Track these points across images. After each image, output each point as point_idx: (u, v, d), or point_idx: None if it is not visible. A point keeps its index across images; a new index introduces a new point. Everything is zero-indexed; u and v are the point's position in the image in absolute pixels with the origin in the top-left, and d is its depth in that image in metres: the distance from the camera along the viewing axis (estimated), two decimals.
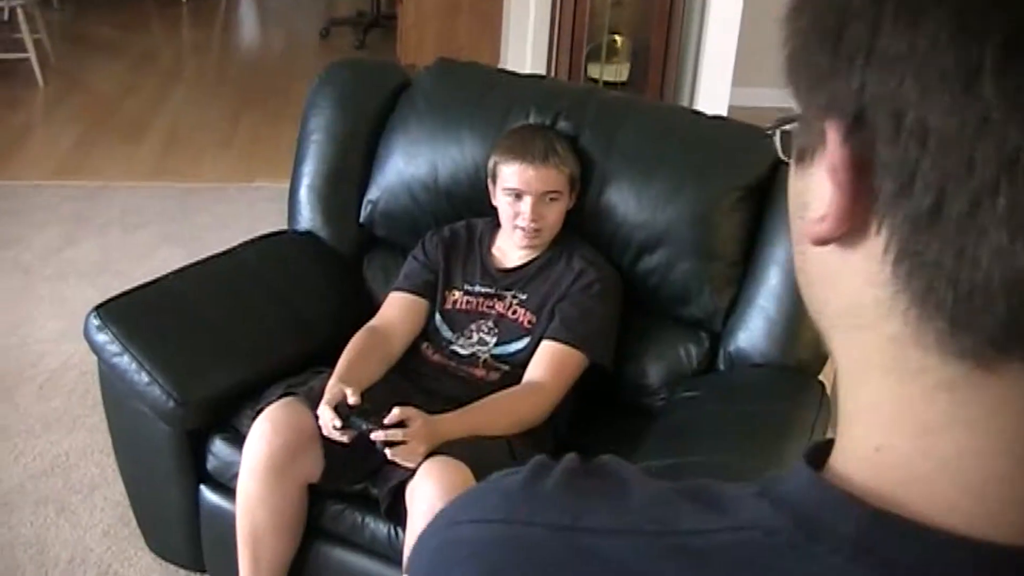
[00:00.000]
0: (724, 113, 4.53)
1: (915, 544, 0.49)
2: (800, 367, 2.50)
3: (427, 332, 2.57)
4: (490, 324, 2.53)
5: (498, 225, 2.60)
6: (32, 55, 6.38)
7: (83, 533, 2.90)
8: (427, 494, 2.10)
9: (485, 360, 2.50)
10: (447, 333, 2.55)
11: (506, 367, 2.49)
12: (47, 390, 3.52)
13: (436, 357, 2.53)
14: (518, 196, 2.49)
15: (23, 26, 6.31)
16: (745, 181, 2.55)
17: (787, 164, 0.60)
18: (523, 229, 2.50)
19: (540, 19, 5.14)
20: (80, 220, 4.79)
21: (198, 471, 2.52)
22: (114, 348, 2.43)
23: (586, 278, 2.49)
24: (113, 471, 2.88)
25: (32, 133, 5.97)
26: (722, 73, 4.86)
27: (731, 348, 2.55)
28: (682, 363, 2.60)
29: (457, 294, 2.58)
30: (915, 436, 0.51)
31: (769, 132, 0.62)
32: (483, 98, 2.68)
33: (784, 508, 0.52)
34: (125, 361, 2.42)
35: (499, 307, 2.55)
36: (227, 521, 2.44)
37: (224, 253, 2.82)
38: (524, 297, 2.53)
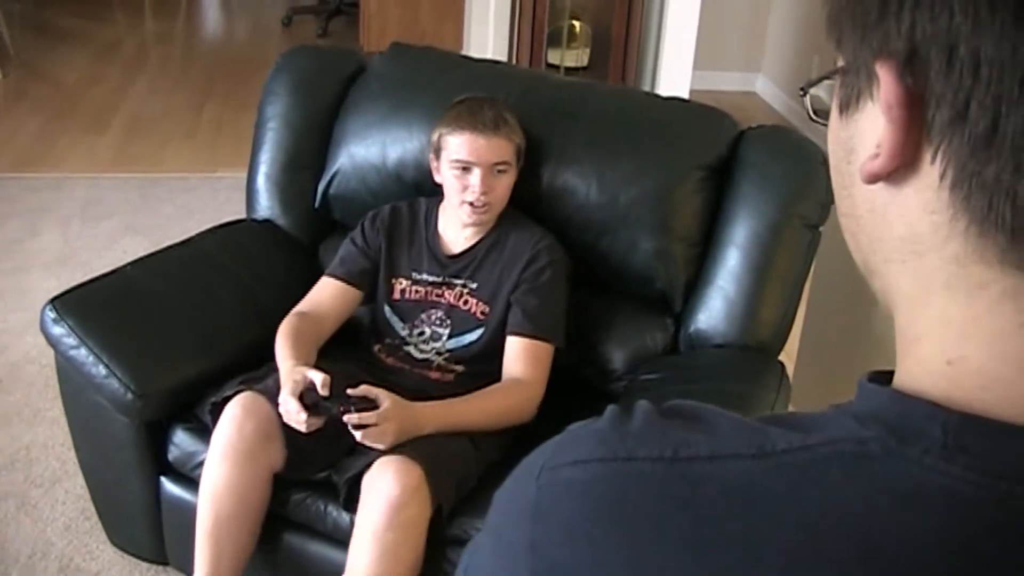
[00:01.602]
0: (686, 96, 4.53)
1: (1003, 440, 0.51)
2: (760, 347, 2.51)
3: (377, 328, 2.54)
4: (441, 315, 2.49)
5: (441, 202, 2.53)
6: None
7: (44, 527, 2.87)
8: (381, 489, 2.10)
9: (439, 364, 2.48)
10: (398, 325, 2.51)
11: (460, 367, 2.47)
12: (7, 383, 3.49)
13: (390, 360, 2.50)
14: (466, 169, 2.41)
15: None
16: (706, 161, 2.55)
17: (819, 123, 0.66)
18: (472, 204, 2.42)
19: (501, 5, 5.13)
20: (42, 211, 4.75)
21: (159, 462, 2.50)
22: (71, 341, 2.41)
23: (538, 262, 2.45)
24: (74, 464, 2.86)
25: None
26: (683, 57, 4.86)
27: (691, 329, 2.56)
28: (645, 345, 2.59)
29: (404, 283, 2.53)
30: (987, 344, 0.54)
31: (803, 91, 0.69)
32: (435, 82, 2.67)
33: (870, 421, 0.54)
34: (82, 353, 2.40)
35: (449, 296, 2.50)
36: (189, 512, 2.42)
37: (183, 243, 2.80)
38: (475, 286, 2.49)
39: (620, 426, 0.60)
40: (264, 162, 2.90)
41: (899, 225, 0.57)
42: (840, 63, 0.60)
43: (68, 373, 2.52)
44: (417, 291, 2.52)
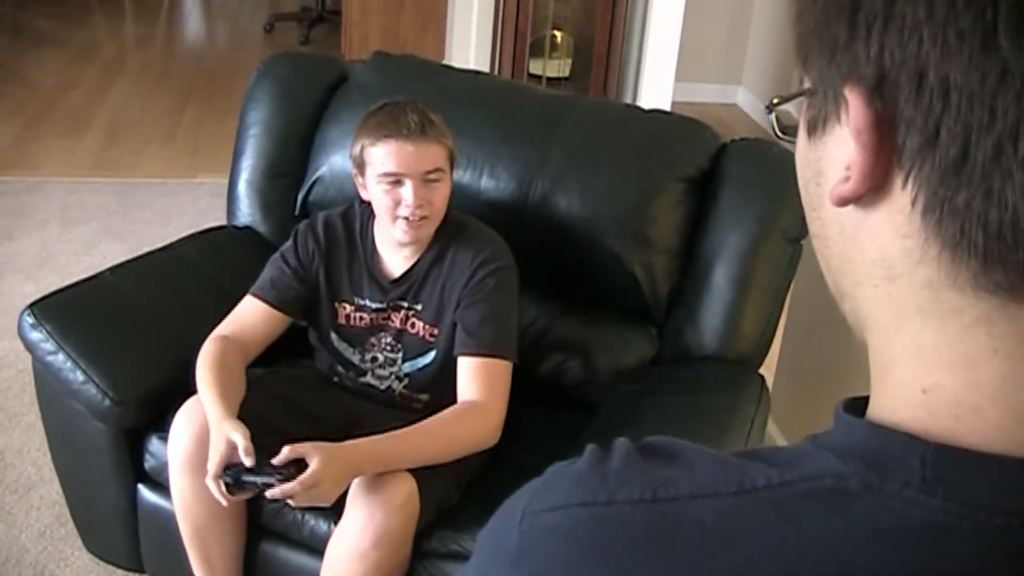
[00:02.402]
0: (668, 108, 4.54)
1: (980, 470, 0.51)
2: (741, 360, 2.51)
3: (329, 350, 2.44)
4: (390, 340, 2.38)
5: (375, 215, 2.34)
6: None
7: (19, 533, 2.85)
8: (370, 503, 2.06)
9: (401, 393, 2.40)
10: (347, 351, 2.41)
11: (424, 396, 2.38)
12: None
13: (350, 397, 2.42)
14: (397, 182, 2.21)
15: None
16: (687, 173, 2.56)
17: (784, 140, 0.67)
18: (407, 219, 2.23)
19: (484, 14, 5.13)
20: (19, 215, 4.72)
21: (136, 470, 2.49)
22: (48, 346, 2.39)
23: (479, 274, 2.29)
24: (50, 470, 2.84)
25: None
26: (665, 68, 4.87)
27: (673, 341, 2.56)
28: (629, 356, 2.60)
29: (348, 308, 2.39)
30: (960, 371, 0.54)
31: (768, 109, 0.68)
32: (417, 91, 2.65)
33: (849, 455, 0.54)
34: (60, 359, 2.38)
35: (396, 320, 2.37)
36: (165, 520, 2.42)
37: (162, 248, 2.79)
38: (419, 308, 2.35)
39: (599, 467, 0.60)
40: (245, 168, 2.89)
41: (870, 248, 0.57)
42: (807, 84, 0.60)
43: (45, 379, 2.51)
44: (362, 317, 2.39)
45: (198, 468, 2.11)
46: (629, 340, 2.61)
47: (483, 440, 2.21)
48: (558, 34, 5.42)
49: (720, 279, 2.50)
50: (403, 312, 2.37)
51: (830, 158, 0.58)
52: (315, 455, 1.97)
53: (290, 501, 2.00)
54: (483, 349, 2.26)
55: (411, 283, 2.36)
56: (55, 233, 4.59)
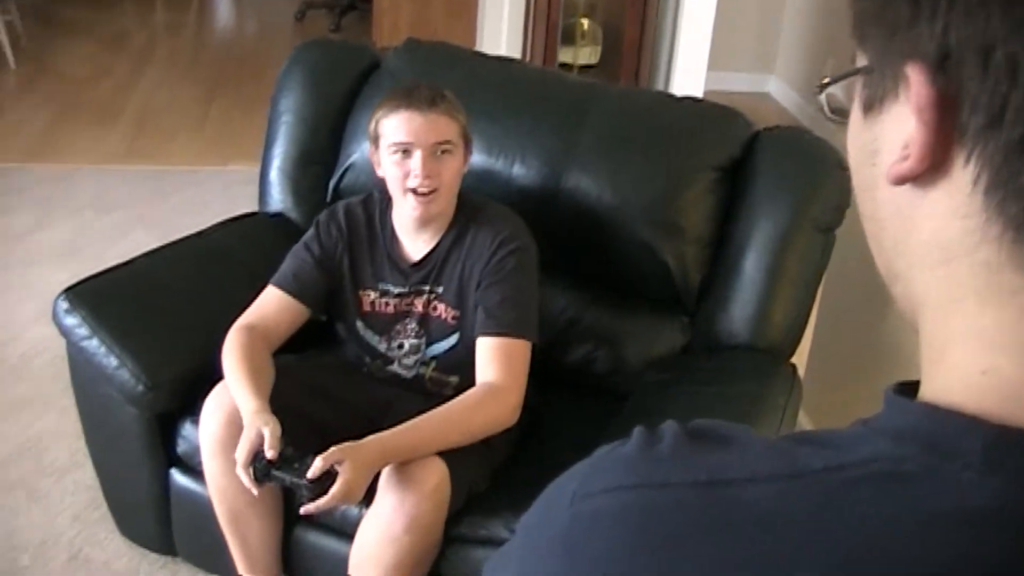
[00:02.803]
0: (699, 96, 4.52)
1: None
2: (772, 350, 2.50)
3: (356, 340, 2.45)
4: (414, 325, 2.39)
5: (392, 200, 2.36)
6: (3, 36, 6.33)
7: (54, 517, 2.88)
8: (402, 488, 2.07)
9: (431, 378, 2.40)
10: (374, 340, 2.42)
11: (454, 379, 2.39)
12: (18, 373, 3.49)
13: (379, 386, 2.42)
14: (406, 152, 2.23)
15: None
16: (719, 162, 2.55)
17: (835, 121, 0.65)
18: (415, 191, 2.24)
19: (515, 2, 5.11)
20: (51, 203, 4.75)
21: (168, 455, 2.51)
22: (82, 331, 2.41)
23: (499, 254, 2.29)
24: (84, 455, 2.86)
25: (2, 116, 5.90)
26: (697, 57, 4.85)
27: (703, 330, 2.56)
28: (661, 346, 2.59)
29: (372, 295, 2.40)
30: (1019, 354, 0.52)
31: (819, 89, 0.66)
32: (448, 77, 2.65)
33: (906, 438, 0.53)
34: (94, 344, 2.40)
35: (419, 304, 2.38)
36: (198, 505, 2.43)
37: (195, 235, 2.80)
38: (440, 291, 2.36)
39: (650, 450, 0.59)
40: (277, 156, 2.90)
41: (926, 229, 0.56)
42: (863, 62, 0.58)
43: (79, 364, 2.53)
44: (387, 303, 2.39)
45: (229, 452, 2.12)
46: (659, 329, 2.60)
47: (503, 420, 2.21)
48: (586, 22, 5.40)
49: (752, 268, 2.49)
50: (425, 296, 2.37)
51: (887, 137, 0.57)
52: (345, 461, 1.99)
53: (315, 505, 2.02)
54: (502, 330, 2.26)
55: (431, 266, 2.36)
56: (87, 221, 4.62)
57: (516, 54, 5.06)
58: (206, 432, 2.24)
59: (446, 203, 2.32)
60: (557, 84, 2.84)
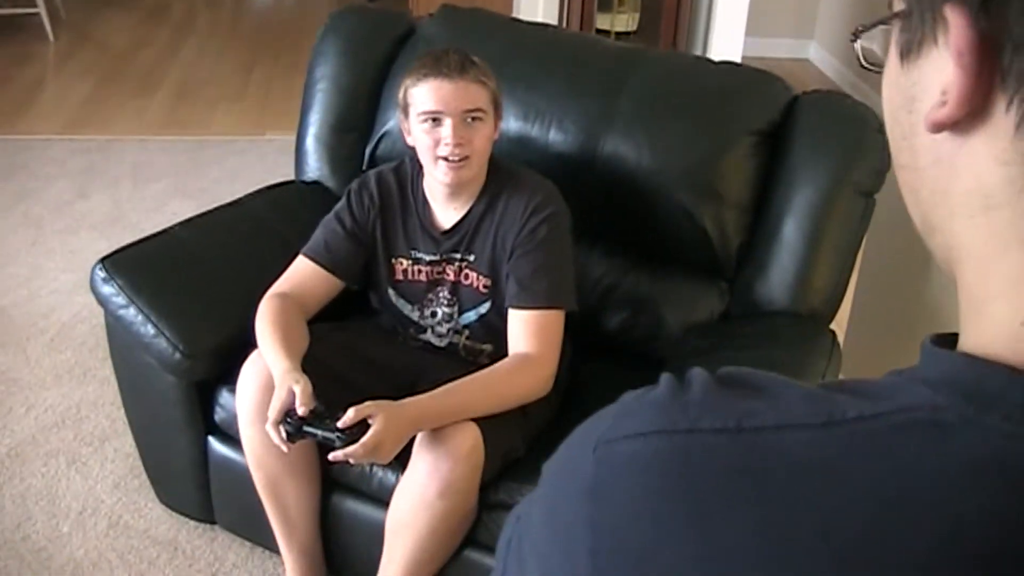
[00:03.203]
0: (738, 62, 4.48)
1: None
2: (812, 315, 2.48)
3: (389, 309, 2.44)
4: (447, 293, 2.38)
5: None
6: (43, 9, 6.36)
7: (94, 484, 2.90)
8: (435, 452, 2.07)
9: (464, 346, 2.40)
10: (406, 308, 2.42)
11: (488, 347, 2.38)
12: (58, 343, 3.52)
13: (414, 356, 2.42)
14: (436, 120, 2.20)
15: None
16: (758, 126, 2.52)
17: (870, 70, 0.63)
18: (446, 159, 2.21)
19: None
20: (91, 174, 4.78)
21: (206, 423, 2.52)
22: (120, 300, 2.42)
23: (531, 222, 2.26)
24: (123, 423, 2.88)
25: (43, 88, 5.94)
26: (735, 22, 4.80)
27: (742, 296, 2.53)
28: (699, 311, 2.57)
29: (405, 263, 2.39)
30: None
31: (854, 36, 0.64)
32: (485, 44, 2.63)
33: (945, 388, 0.51)
34: (131, 313, 2.41)
35: (451, 272, 2.36)
36: (236, 473, 2.44)
37: (231, 204, 2.80)
38: (472, 259, 2.34)
39: (679, 396, 0.57)
40: (313, 123, 2.89)
41: (967, 177, 0.54)
42: (900, 6, 0.57)
43: (117, 332, 2.54)
44: (419, 271, 2.38)
45: (266, 419, 2.11)
46: (699, 295, 2.58)
47: (537, 390, 2.21)
48: None
49: (791, 233, 2.46)
50: (456, 264, 2.36)
51: (925, 83, 0.55)
52: (378, 415, 1.99)
53: (351, 461, 2.01)
54: (535, 302, 2.25)
55: (463, 234, 2.34)
56: (127, 191, 4.64)
57: (553, 21, 5.04)
58: (243, 399, 2.25)
59: (477, 170, 2.29)
60: (595, 49, 2.81)
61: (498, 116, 2.31)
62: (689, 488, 0.53)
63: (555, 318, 2.26)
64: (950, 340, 0.56)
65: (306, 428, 2.02)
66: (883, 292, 3.09)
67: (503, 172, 2.35)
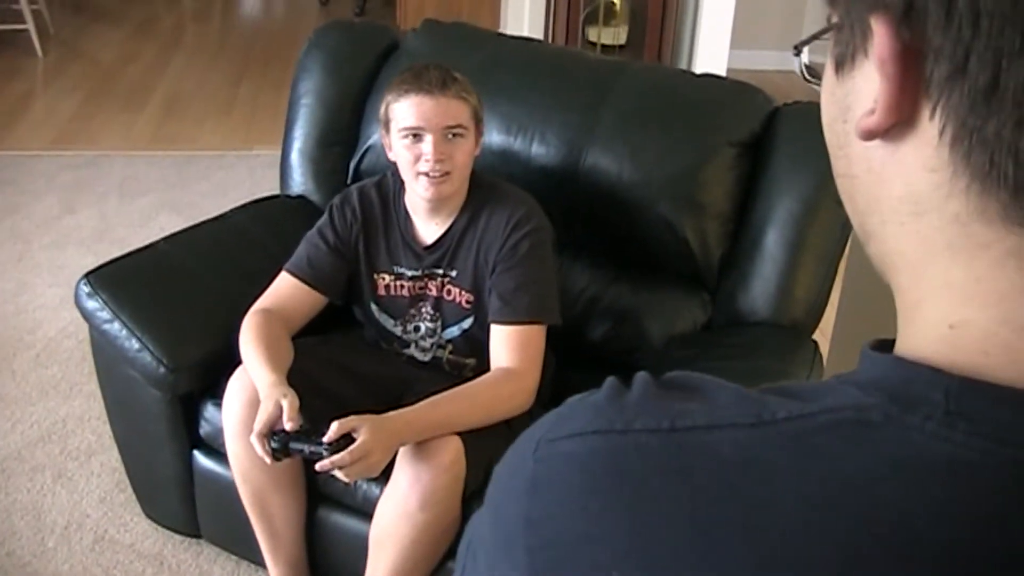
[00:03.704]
0: (723, 75, 4.50)
1: (1005, 404, 0.50)
2: (794, 325, 2.49)
3: (373, 324, 2.45)
4: (429, 309, 2.38)
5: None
6: (31, 25, 6.37)
7: (80, 499, 2.90)
8: (417, 465, 2.07)
9: (448, 360, 2.40)
10: (388, 323, 2.42)
11: (471, 360, 2.39)
12: (44, 357, 3.52)
13: (397, 368, 2.43)
14: (417, 136, 2.20)
15: None
16: (739, 137, 2.53)
17: (812, 83, 0.65)
18: (428, 175, 2.20)
19: None
20: (79, 188, 4.79)
21: (191, 436, 2.52)
22: (104, 315, 2.43)
23: (513, 237, 2.27)
24: (109, 438, 2.89)
25: (31, 103, 5.95)
26: (720, 35, 4.83)
27: (724, 307, 2.54)
28: (682, 322, 2.58)
29: (387, 278, 2.39)
30: (989, 307, 0.52)
31: (796, 51, 0.67)
32: (467, 58, 2.65)
33: (872, 388, 0.53)
34: (115, 327, 2.41)
35: (433, 288, 2.37)
36: (221, 486, 2.45)
37: (216, 218, 2.81)
38: (455, 274, 2.34)
39: (618, 398, 0.59)
40: (298, 138, 2.90)
41: (897, 184, 0.55)
42: (834, 19, 0.58)
43: (102, 347, 2.54)
44: (402, 286, 2.38)
45: (249, 433, 2.11)
46: (681, 306, 2.59)
47: (520, 404, 2.20)
48: (615, 1, 5.38)
49: (773, 244, 2.47)
50: (439, 279, 2.36)
51: (858, 93, 0.56)
52: (363, 427, 1.99)
53: (341, 475, 2.01)
54: (516, 317, 2.25)
55: (445, 249, 2.34)
56: (114, 206, 4.65)
57: (539, 34, 5.06)
58: (229, 414, 2.25)
59: (459, 185, 2.29)
60: (577, 63, 2.82)
61: (479, 131, 2.31)
62: (621, 485, 0.55)
63: (537, 333, 2.26)
64: (888, 344, 0.58)
65: (292, 445, 2.02)
66: (867, 301, 3.09)
67: (485, 187, 2.35)
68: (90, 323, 2.49)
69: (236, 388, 2.25)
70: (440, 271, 2.35)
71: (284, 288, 2.37)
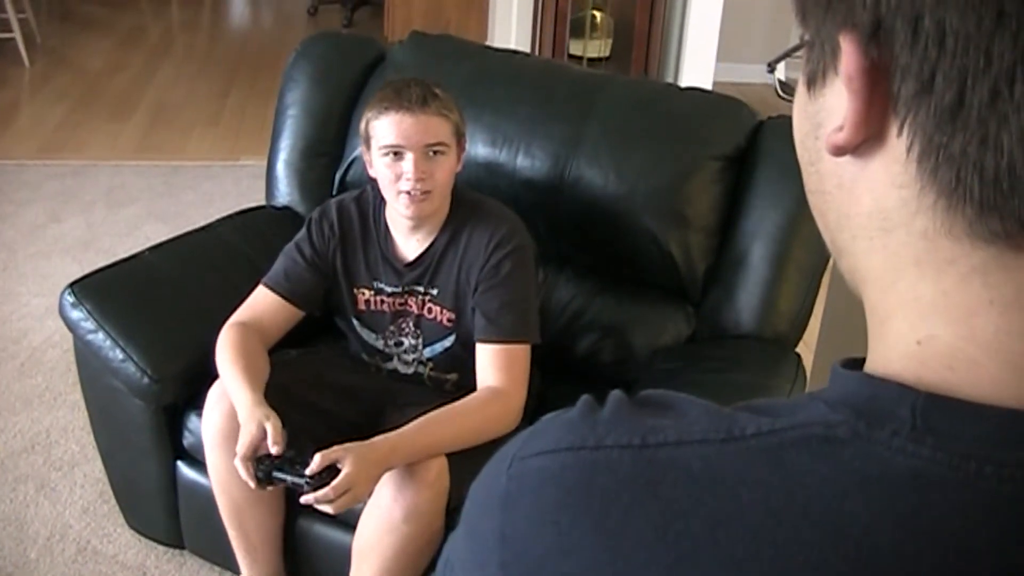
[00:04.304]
0: (709, 88, 4.51)
1: (971, 420, 0.51)
2: (778, 338, 2.50)
3: (355, 337, 2.44)
4: (411, 324, 2.37)
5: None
6: (17, 34, 6.36)
7: (63, 510, 2.89)
8: (397, 478, 2.07)
9: (429, 376, 2.40)
10: (370, 337, 2.42)
11: (453, 376, 2.39)
12: (28, 367, 3.51)
13: (382, 373, 2.44)
14: (397, 154, 2.17)
15: (8, 5, 6.30)
16: (723, 151, 2.54)
17: (785, 99, 0.63)
18: (408, 193, 2.18)
19: None
20: (65, 198, 4.78)
21: (175, 447, 2.52)
22: (88, 325, 2.42)
23: (495, 257, 2.25)
24: (93, 448, 2.88)
25: (17, 112, 5.94)
26: (706, 48, 4.85)
27: (709, 320, 2.55)
28: (666, 335, 2.59)
29: (367, 293, 2.38)
30: (955, 323, 0.53)
31: (769, 69, 0.70)
32: (454, 71, 2.66)
33: (840, 405, 0.53)
34: (100, 338, 2.41)
35: (413, 305, 2.36)
36: (205, 497, 2.44)
37: (201, 229, 2.81)
38: (435, 292, 2.33)
39: (591, 415, 0.60)
40: (284, 149, 2.91)
41: (866, 200, 0.56)
42: (805, 37, 0.59)
43: (86, 357, 2.54)
44: (382, 301, 2.37)
45: (232, 445, 2.10)
46: (666, 319, 2.60)
47: (507, 424, 2.18)
48: (598, 14, 5.40)
49: (757, 257, 2.48)
50: (419, 297, 2.35)
51: (829, 110, 0.57)
52: (347, 457, 1.97)
53: (327, 508, 1.99)
54: (502, 336, 2.24)
55: (426, 266, 2.32)
56: (101, 215, 4.64)
57: (526, 47, 5.07)
58: (208, 425, 2.25)
59: (440, 203, 2.28)
60: (562, 76, 2.83)
61: (461, 147, 2.29)
62: (592, 500, 0.55)
63: (522, 352, 2.26)
64: (860, 362, 0.58)
65: (275, 475, 2.00)
66: (851, 314, 3.10)
67: (467, 203, 2.34)
68: (74, 333, 2.49)
69: (215, 400, 2.24)
70: (421, 288, 2.34)
71: (261, 302, 2.36)
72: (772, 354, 2.46)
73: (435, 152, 2.20)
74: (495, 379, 2.22)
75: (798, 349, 2.53)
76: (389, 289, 2.36)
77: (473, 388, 2.25)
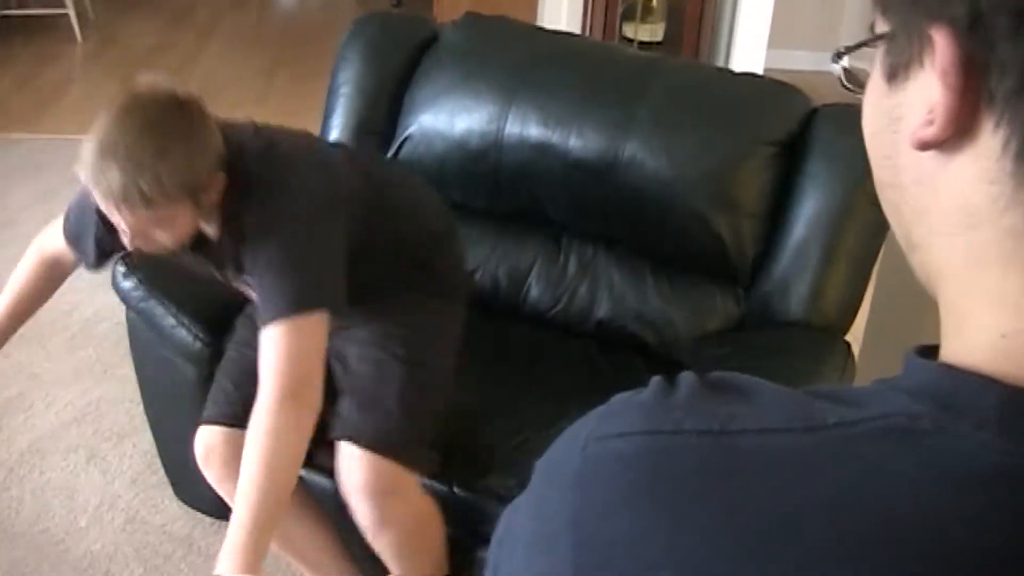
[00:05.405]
0: (759, 73, 4.49)
1: None
2: (827, 326, 2.49)
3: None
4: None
5: None
6: (71, 10, 6.41)
7: (112, 480, 2.93)
8: (353, 486, 2.08)
9: None
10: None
11: None
12: (80, 339, 3.55)
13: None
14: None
15: None
16: (776, 137, 2.53)
17: (850, 91, 0.65)
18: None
19: None
20: None
21: None
22: (139, 294, 2.46)
23: (263, 243, 2.00)
24: (143, 420, 2.91)
25: (69, 88, 5.99)
26: (758, 34, 4.82)
27: (757, 306, 2.55)
28: (713, 319, 2.60)
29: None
30: None
31: (836, 58, 0.66)
32: (506, 52, 2.66)
33: (923, 396, 0.53)
34: (151, 305, 2.46)
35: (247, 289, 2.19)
36: None
37: None
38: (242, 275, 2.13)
39: (665, 399, 0.59)
40: (335, 127, 2.91)
41: (949, 195, 0.55)
42: (885, 28, 0.58)
43: (138, 327, 2.57)
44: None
45: (230, 484, 2.06)
46: (714, 304, 2.60)
47: (309, 423, 1.95)
48: None
49: (807, 244, 2.47)
50: (243, 281, 2.16)
51: (911, 104, 0.56)
52: None
53: None
54: (268, 317, 1.96)
55: (225, 257, 2.11)
56: None
57: (576, 29, 5.06)
58: (207, 472, 2.26)
59: (183, 237, 2.01)
60: (615, 58, 2.83)
61: (197, 198, 1.94)
62: (668, 485, 0.55)
63: (297, 327, 1.94)
64: (932, 351, 0.58)
65: None
66: (900, 303, 3.08)
67: (240, 183, 2.02)
68: (126, 303, 2.53)
69: (200, 455, 2.24)
70: (243, 275, 2.13)
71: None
72: (822, 342, 2.45)
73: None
74: (270, 377, 1.93)
75: (846, 338, 2.52)
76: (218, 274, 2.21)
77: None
